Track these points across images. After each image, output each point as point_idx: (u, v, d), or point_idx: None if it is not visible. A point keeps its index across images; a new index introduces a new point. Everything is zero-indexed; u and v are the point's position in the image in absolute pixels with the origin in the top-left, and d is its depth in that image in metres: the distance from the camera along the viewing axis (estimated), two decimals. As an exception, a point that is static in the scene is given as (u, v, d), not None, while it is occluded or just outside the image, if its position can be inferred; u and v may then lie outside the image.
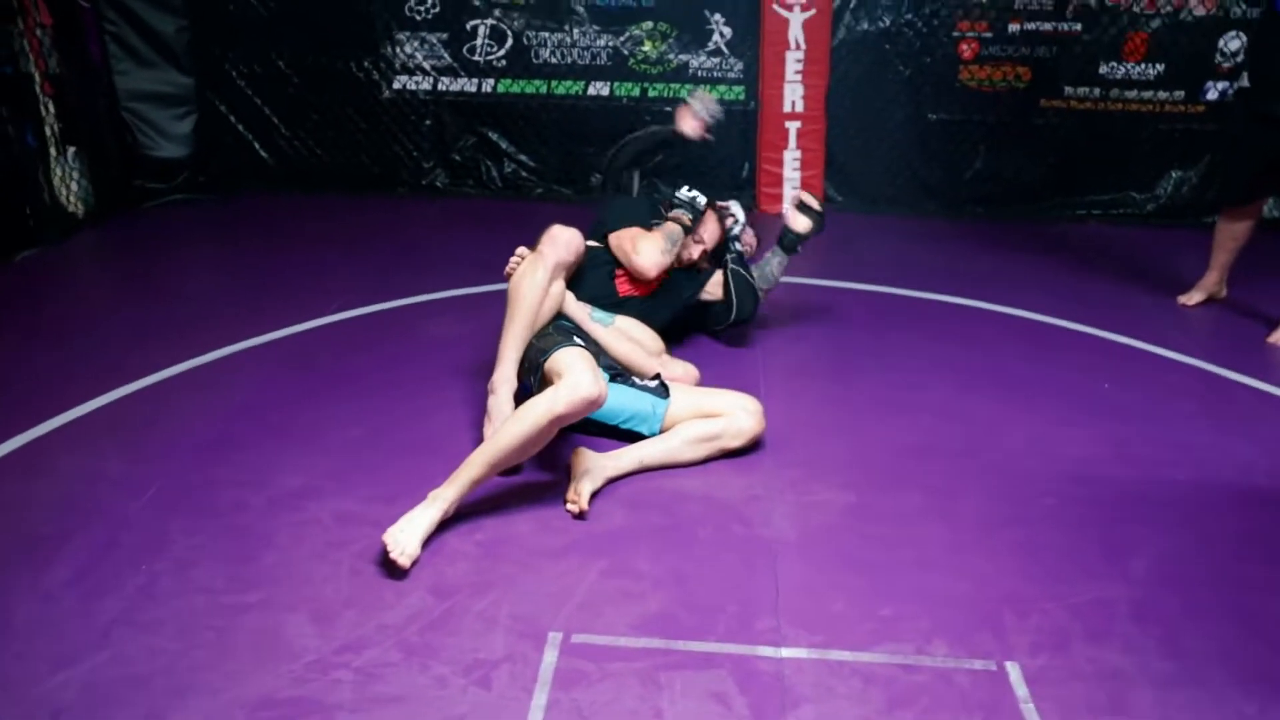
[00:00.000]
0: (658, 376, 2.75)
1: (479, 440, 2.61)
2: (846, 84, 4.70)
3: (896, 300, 3.85)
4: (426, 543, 2.23)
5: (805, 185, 4.80)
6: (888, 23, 4.60)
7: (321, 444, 2.71)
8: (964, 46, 4.59)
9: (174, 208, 5.00)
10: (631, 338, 2.93)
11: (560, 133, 4.91)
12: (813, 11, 4.45)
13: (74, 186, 4.50)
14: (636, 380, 2.73)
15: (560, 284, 2.81)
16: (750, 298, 3.21)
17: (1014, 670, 1.88)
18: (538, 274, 2.73)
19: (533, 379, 2.60)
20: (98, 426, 2.80)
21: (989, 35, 4.56)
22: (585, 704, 1.80)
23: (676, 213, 3.06)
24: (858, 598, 2.11)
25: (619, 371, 2.75)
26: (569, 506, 2.38)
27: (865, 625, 2.02)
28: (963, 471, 2.62)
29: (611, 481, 2.50)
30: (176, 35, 4.71)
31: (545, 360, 2.51)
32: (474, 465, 2.28)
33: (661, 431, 2.65)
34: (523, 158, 4.98)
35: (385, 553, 2.14)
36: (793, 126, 4.67)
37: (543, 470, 2.57)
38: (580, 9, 4.67)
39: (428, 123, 4.93)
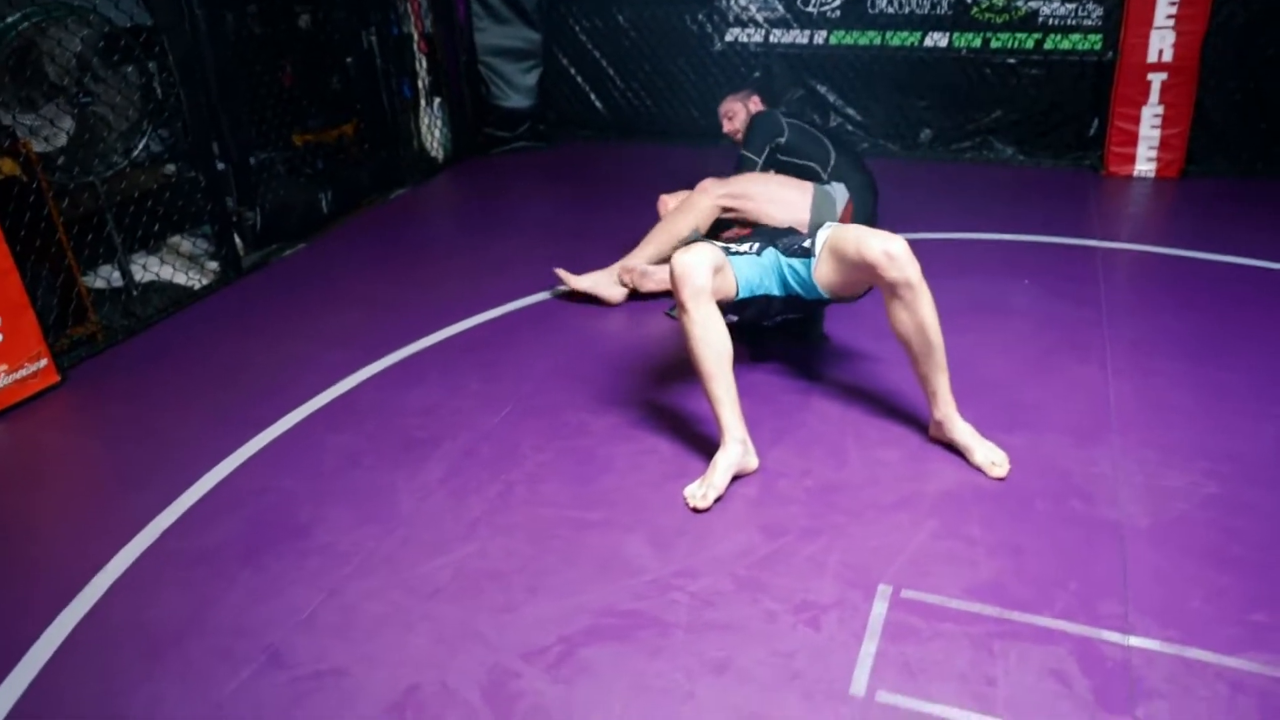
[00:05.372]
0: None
1: (800, 393, 2.70)
2: (1230, 28, 4.11)
3: (1270, 275, 3.37)
4: (754, 482, 2.31)
5: (1166, 144, 4.30)
6: (1295, -48, 3.96)
7: (657, 379, 2.85)
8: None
9: (515, 154, 5.41)
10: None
11: (891, 86, 4.73)
12: (1197, -55, 3.94)
13: (437, 134, 5.00)
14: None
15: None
16: None
17: None
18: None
19: None
20: (458, 348, 3.12)
21: None
22: (915, 659, 1.78)
23: None
24: (1222, 597, 1.90)
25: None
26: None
27: (1231, 628, 1.82)
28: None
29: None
30: (528, -7, 5.06)
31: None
32: (709, 394, 2.31)
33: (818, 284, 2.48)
34: (850, 111, 4.86)
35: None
36: (1157, 79, 4.17)
37: (882, 420, 2.56)
38: (925, -46, 4.47)
39: (756, 74, 4.94)
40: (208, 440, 2.63)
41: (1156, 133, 4.28)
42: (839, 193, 3.31)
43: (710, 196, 3.26)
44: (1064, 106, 4.55)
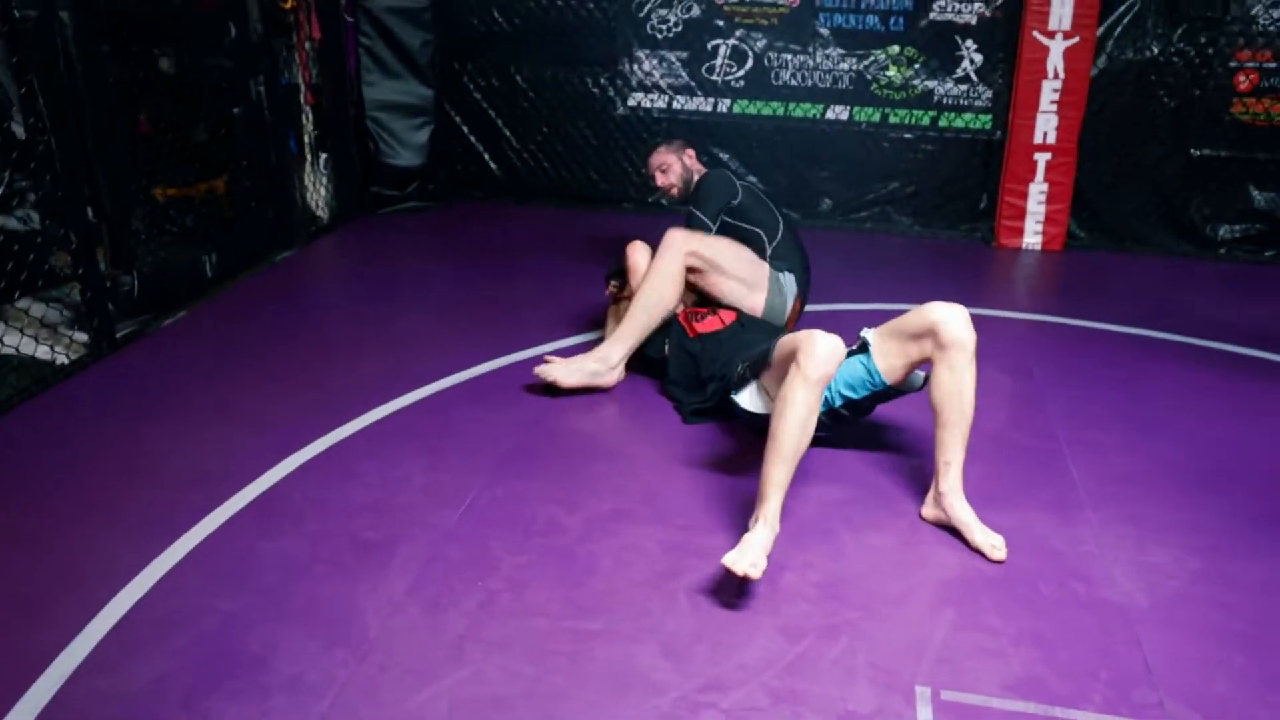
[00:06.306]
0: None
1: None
2: (1103, 116, 4.45)
3: (1165, 346, 3.57)
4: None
5: (1050, 218, 4.56)
6: (1155, 52, 4.34)
7: (624, 465, 2.66)
8: (1241, 78, 4.28)
9: (404, 214, 5.10)
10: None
11: (793, 155, 4.81)
12: (1076, 39, 4.23)
13: (322, 192, 4.65)
14: None
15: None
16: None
17: None
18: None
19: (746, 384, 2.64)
20: (391, 432, 2.83)
21: (1272, 65, 4.24)
22: (979, 772, 1.67)
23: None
24: (1243, 677, 1.91)
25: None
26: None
27: (1260, 711, 1.82)
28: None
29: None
30: (421, 49, 4.82)
31: (771, 354, 2.46)
32: (773, 476, 2.19)
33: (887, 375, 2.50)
34: (752, 179, 4.87)
35: (729, 573, 2.04)
36: (1042, 159, 4.44)
37: (865, 503, 2.47)
38: (825, 31, 4.57)
39: (659, 141, 4.88)
40: (108, 553, 2.23)
41: (1042, 208, 4.54)
42: (789, 287, 3.20)
43: (678, 252, 2.96)
44: (957, 181, 4.76)
